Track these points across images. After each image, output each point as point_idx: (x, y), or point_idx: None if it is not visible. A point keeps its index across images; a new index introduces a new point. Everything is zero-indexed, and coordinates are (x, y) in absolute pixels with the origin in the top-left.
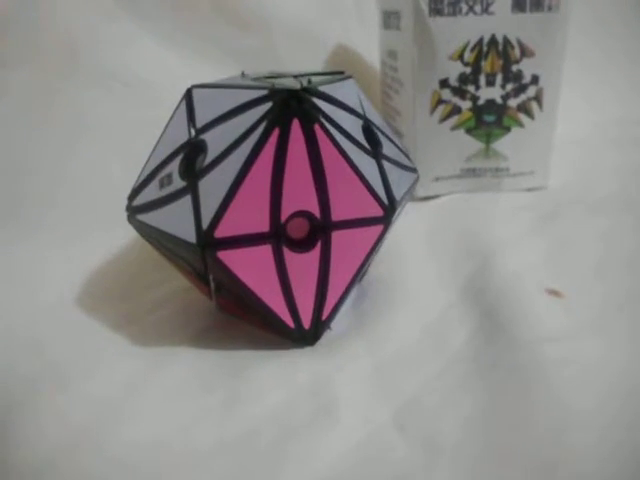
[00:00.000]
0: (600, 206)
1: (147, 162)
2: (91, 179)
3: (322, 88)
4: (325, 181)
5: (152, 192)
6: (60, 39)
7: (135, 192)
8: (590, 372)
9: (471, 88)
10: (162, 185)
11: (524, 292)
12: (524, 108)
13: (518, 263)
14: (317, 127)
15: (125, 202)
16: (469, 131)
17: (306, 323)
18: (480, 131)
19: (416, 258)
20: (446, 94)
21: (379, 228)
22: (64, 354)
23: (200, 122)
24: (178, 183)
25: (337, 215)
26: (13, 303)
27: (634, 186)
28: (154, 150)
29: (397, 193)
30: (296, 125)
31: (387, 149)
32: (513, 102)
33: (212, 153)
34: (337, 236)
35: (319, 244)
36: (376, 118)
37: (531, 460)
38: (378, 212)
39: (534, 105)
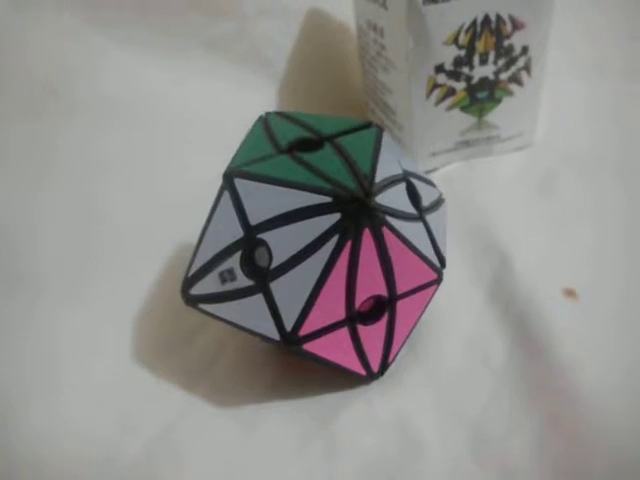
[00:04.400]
0: (588, 167)
1: (197, 250)
2: (114, 220)
3: (378, 178)
4: (391, 267)
5: (212, 285)
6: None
7: (191, 281)
8: (622, 393)
9: (465, 69)
10: (224, 280)
11: (545, 297)
12: (514, 79)
13: (532, 258)
14: (385, 229)
15: (152, 234)
16: (463, 109)
17: (375, 368)
18: (474, 107)
19: None
20: (441, 78)
21: (434, 287)
22: (157, 426)
23: (254, 219)
24: (244, 281)
25: (400, 289)
26: (84, 372)
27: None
28: (203, 238)
29: (442, 244)
30: (367, 233)
31: (424, 196)
32: (504, 75)
33: (279, 256)
34: (400, 304)
35: (386, 314)
36: (407, 162)
37: None
38: (432, 276)
39: (524, 74)
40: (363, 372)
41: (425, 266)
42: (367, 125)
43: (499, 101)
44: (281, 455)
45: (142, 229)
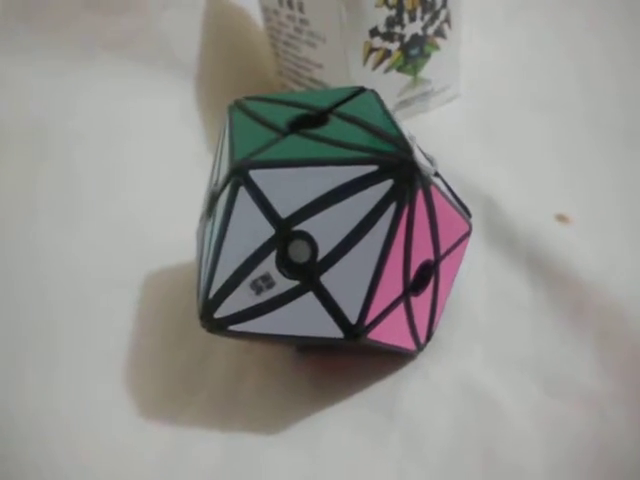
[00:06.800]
0: (521, 105)
1: (216, 266)
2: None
3: (409, 138)
4: (437, 227)
5: (245, 299)
6: None
7: (213, 303)
8: None
9: (397, 29)
10: (260, 290)
11: (543, 227)
12: (439, 32)
13: (513, 195)
14: (432, 187)
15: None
16: (399, 69)
17: (422, 339)
18: (409, 66)
19: None
20: (377, 42)
21: (466, 240)
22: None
23: (285, 211)
24: (286, 284)
25: (443, 249)
26: (94, 447)
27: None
28: (221, 250)
29: (459, 195)
30: (420, 195)
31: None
32: (431, 30)
33: (325, 245)
34: (443, 265)
35: (432, 279)
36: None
37: None
38: (466, 228)
39: (446, 27)
40: (414, 347)
41: (460, 219)
42: (359, 90)
43: (429, 56)
44: (360, 463)
45: (82, 267)
